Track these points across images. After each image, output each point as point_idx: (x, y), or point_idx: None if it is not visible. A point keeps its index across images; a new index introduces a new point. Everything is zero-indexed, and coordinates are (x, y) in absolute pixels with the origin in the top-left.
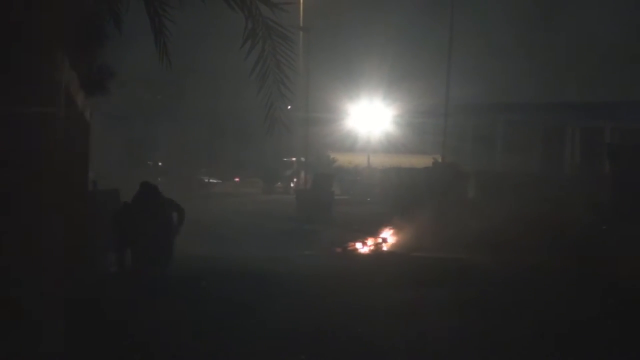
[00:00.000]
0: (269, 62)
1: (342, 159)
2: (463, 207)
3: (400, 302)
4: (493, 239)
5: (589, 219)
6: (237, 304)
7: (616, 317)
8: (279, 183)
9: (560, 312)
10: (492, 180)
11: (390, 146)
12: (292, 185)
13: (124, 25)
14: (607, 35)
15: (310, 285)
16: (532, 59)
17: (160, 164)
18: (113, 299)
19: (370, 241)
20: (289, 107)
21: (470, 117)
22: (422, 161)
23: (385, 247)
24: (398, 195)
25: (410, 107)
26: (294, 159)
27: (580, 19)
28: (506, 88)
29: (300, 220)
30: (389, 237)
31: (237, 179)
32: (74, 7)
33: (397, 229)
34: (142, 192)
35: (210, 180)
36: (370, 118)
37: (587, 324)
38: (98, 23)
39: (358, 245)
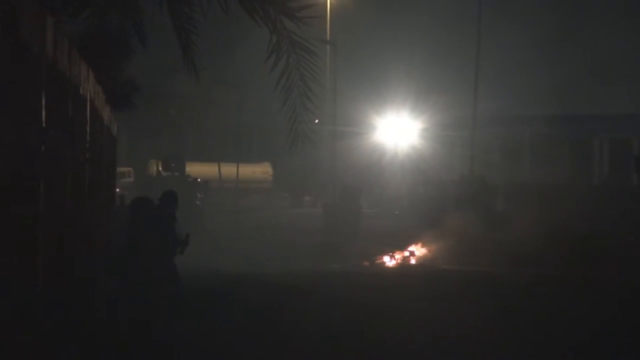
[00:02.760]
0: (293, 76)
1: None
2: (491, 220)
3: (423, 313)
4: (520, 251)
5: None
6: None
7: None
8: (307, 197)
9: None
10: (519, 192)
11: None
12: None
13: (148, 39)
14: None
15: (334, 299)
16: (558, 70)
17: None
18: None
19: (398, 255)
20: (317, 120)
21: (497, 130)
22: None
23: (413, 261)
24: (426, 208)
25: (437, 119)
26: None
27: (605, 30)
28: (534, 100)
29: (328, 234)
30: (416, 251)
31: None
32: (99, 22)
33: (425, 242)
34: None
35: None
36: (397, 131)
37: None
38: (123, 37)
39: (386, 258)
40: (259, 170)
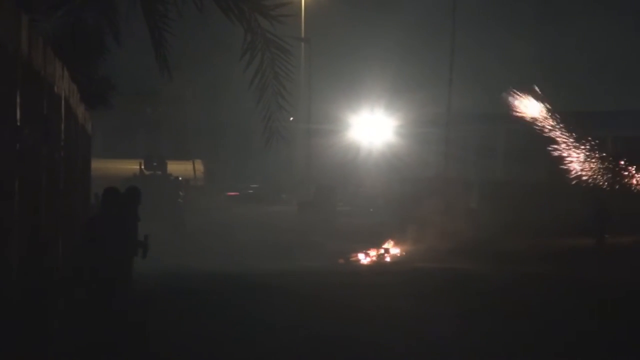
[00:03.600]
0: (268, 74)
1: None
2: (466, 217)
3: (399, 312)
4: (495, 249)
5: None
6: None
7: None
8: (283, 195)
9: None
10: (494, 189)
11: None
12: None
13: (123, 37)
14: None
15: (310, 297)
16: (535, 65)
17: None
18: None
19: (372, 252)
20: (291, 118)
21: (472, 127)
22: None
23: (388, 258)
24: (401, 206)
25: (413, 117)
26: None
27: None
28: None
29: (303, 232)
30: (391, 248)
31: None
32: (74, 20)
33: (400, 240)
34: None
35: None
36: (372, 128)
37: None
38: (97, 36)
39: (361, 256)
40: (190, 168)
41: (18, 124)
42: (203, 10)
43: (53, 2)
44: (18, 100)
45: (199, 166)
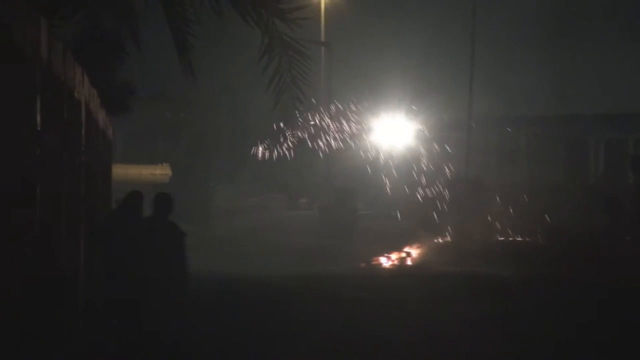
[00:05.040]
0: (285, 78)
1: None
2: (487, 221)
3: (422, 316)
4: (517, 252)
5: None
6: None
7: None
8: (302, 200)
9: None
10: (515, 193)
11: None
12: None
13: (143, 42)
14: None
15: (331, 301)
16: (554, 70)
17: None
18: None
19: (394, 256)
20: (312, 122)
21: (493, 130)
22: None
23: (409, 262)
24: (422, 209)
25: (433, 121)
26: None
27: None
28: (529, 100)
29: (324, 236)
30: (413, 252)
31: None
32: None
33: (421, 243)
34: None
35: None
36: (393, 132)
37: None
38: (117, 40)
39: (382, 260)
40: (158, 172)
41: (38, 129)
42: (221, 14)
43: (72, 6)
44: (38, 105)
45: (167, 170)
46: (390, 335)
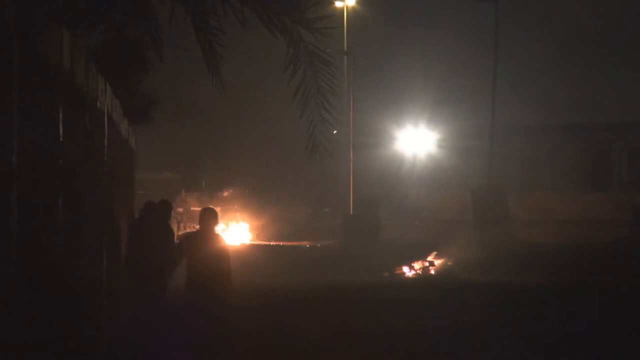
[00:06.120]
0: (311, 87)
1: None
2: (509, 230)
3: (445, 325)
4: (539, 261)
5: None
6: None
7: None
8: (326, 209)
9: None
10: (538, 202)
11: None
12: None
13: (165, 51)
14: None
15: (354, 311)
16: (576, 79)
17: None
18: None
19: (417, 265)
20: (335, 132)
21: (515, 139)
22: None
23: (432, 271)
24: (445, 219)
25: (455, 129)
26: None
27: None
28: (551, 109)
29: (347, 246)
30: (436, 261)
31: None
32: (116, 36)
33: (444, 252)
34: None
35: None
36: (415, 141)
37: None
38: (140, 51)
39: (405, 269)
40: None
41: (61, 139)
42: (245, 24)
43: (95, 17)
44: (60, 115)
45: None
46: (414, 346)
